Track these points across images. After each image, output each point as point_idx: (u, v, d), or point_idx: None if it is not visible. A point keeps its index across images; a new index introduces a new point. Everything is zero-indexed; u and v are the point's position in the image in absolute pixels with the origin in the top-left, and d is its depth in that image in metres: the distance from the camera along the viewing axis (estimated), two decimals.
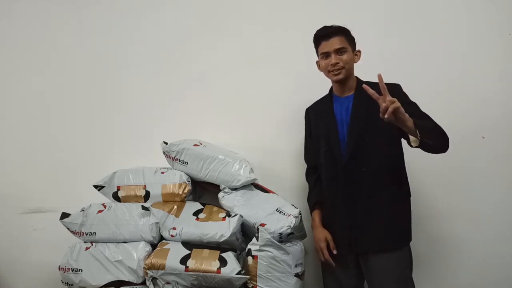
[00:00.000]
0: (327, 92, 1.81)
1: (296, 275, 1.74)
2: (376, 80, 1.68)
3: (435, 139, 1.41)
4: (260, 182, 2.01)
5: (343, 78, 1.63)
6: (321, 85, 1.81)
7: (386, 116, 1.30)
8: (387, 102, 1.30)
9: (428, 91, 2.08)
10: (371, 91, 1.35)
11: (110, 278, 1.74)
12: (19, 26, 2.33)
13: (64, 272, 1.79)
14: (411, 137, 1.40)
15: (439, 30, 2.11)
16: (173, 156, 1.95)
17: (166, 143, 1.97)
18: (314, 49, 1.75)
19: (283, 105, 2.16)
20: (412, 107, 1.52)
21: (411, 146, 1.43)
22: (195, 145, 1.96)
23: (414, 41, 2.11)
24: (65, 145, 2.28)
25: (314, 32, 1.70)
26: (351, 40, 1.66)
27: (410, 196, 1.66)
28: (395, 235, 1.56)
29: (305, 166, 1.92)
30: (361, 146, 1.57)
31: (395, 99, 1.30)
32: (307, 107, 1.90)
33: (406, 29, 2.12)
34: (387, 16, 2.15)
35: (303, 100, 2.03)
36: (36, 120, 2.30)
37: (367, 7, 2.16)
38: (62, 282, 1.83)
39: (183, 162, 1.94)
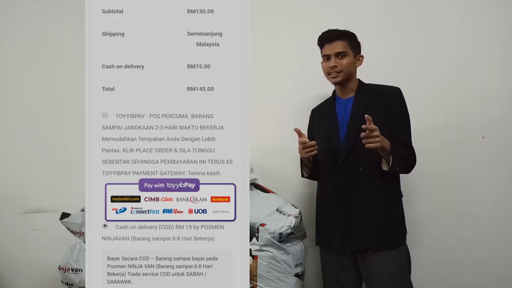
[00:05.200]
0: (326, 92, 1.83)
1: (296, 275, 1.74)
2: (376, 81, 1.71)
3: (402, 167, 1.57)
4: (260, 182, 2.01)
5: (340, 81, 1.67)
6: (321, 86, 1.81)
7: (366, 145, 1.46)
8: (372, 135, 1.44)
9: (428, 91, 2.08)
10: (367, 119, 1.46)
11: None
12: (25, 28, 2.33)
13: (64, 272, 1.79)
14: (383, 160, 1.54)
15: (438, 30, 2.11)
16: None
17: None
18: (313, 50, 1.77)
19: (283, 105, 2.16)
20: (399, 118, 1.61)
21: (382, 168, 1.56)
22: None
23: (413, 41, 2.11)
24: (65, 145, 2.28)
25: (314, 33, 1.72)
26: (354, 45, 1.69)
27: (402, 196, 1.68)
28: (391, 235, 1.58)
29: None
30: (358, 146, 1.59)
31: (378, 140, 1.44)
32: (307, 107, 1.91)
33: (404, 30, 2.12)
34: (386, 16, 2.14)
35: (303, 100, 2.03)
36: (36, 120, 2.30)
37: (367, 9, 2.16)
38: (62, 282, 1.83)
39: None
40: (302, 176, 1.84)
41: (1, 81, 2.33)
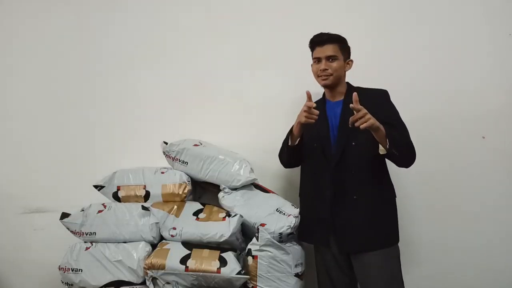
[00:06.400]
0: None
1: (296, 275, 1.74)
2: (365, 85, 1.71)
3: (402, 152, 1.51)
4: (260, 182, 2.01)
5: (330, 84, 1.69)
6: (321, 86, 1.81)
7: (360, 126, 1.42)
8: (361, 114, 1.42)
9: (428, 91, 2.08)
10: (355, 100, 1.44)
11: (110, 278, 1.74)
12: (22, 27, 2.33)
13: (64, 272, 1.79)
14: (380, 145, 1.52)
15: (439, 30, 2.10)
16: (173, 156, 1.96)
17: (166, 143, 1.97)
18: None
19: (283, 105, 2.16)
20: (392, 117, 1.60)
21: (379, 153, 1.54)
22: (195, 145, 1.96)
23: (412, 42, 2.11)
24: (65, 145, 2.28)
25: (313, 33, 1.72)
26: (344, 49, 1.70)
27: (395, 196, 1.69)
28: (385, 236, 1.60)
29: None
30: (349, 149, 1.61)
31: (369, 117, 1.42)
32: None
33: (405, 30, 2.12)
34: (386, 17, 2.14)
35: (303, 100, 2.02)
36: (36, 121, 2.30)
37: (367, 9, 2.15)
38: (62, 282, 1.83)
39: (183, 162, 1.94)
40: (287, 145, 1.78)
41: (1, 81, 2.33)
